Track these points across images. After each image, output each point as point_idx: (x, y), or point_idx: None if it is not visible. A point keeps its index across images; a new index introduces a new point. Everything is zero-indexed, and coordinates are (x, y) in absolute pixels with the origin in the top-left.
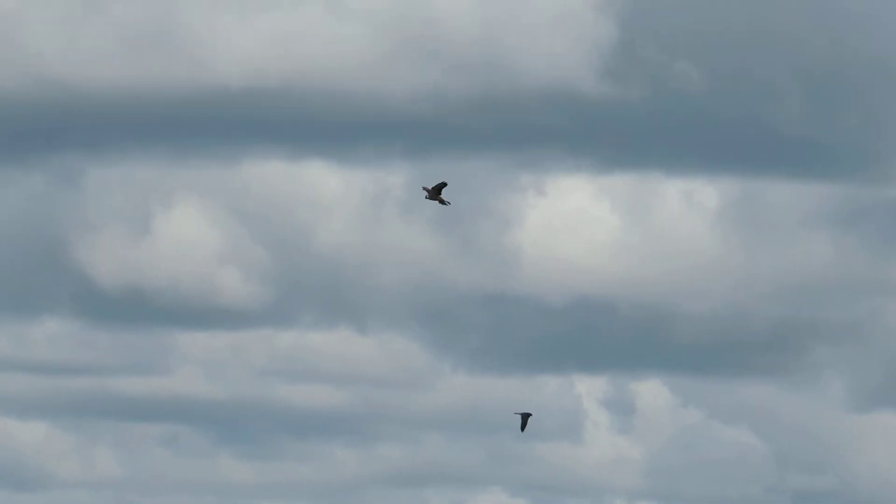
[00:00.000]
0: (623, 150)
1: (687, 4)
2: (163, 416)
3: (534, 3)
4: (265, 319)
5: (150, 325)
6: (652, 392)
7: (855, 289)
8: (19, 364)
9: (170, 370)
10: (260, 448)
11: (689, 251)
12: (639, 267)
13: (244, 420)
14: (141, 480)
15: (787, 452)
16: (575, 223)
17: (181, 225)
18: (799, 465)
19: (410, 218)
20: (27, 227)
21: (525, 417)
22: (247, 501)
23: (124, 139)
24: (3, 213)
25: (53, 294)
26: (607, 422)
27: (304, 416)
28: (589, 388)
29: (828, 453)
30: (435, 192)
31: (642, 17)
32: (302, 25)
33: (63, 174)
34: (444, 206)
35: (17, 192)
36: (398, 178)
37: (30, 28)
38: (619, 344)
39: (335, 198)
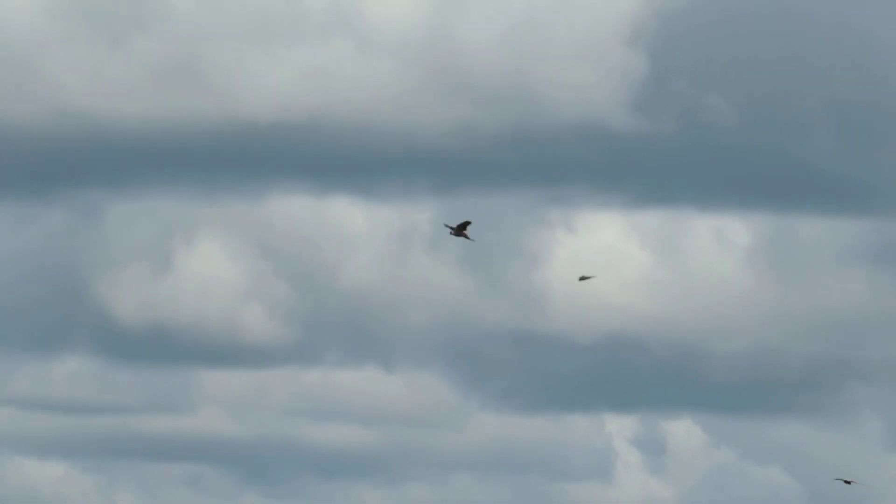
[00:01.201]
0: (653, 186)
1: (719, 37)
2: (185, 456)
3: (563, 36)
4: (290, 357)
5: (172, 363)
6: (683, 431)
7: (892, 326)
8: (38, 403)
9: (192, 409)
10: (285, 489)
11: (720, 288)
12: (670, 304)
13: (269, 460)
14: None
15: (822, 494)
16: (604, 260)
17: (204, 261)
18: None
19: (438, 255)
20: (48, 262)
21: (460, 229)
22: None
23: (147, 174)
24: (25, 248)
25: (74, 331)
26: (638, 462)
27: (330, 456)
28: (619, 428)
29: (865, 495)
30: (459, 229)
31: (673, 50)
32: (329, 60)
33: (85, 209)
34: (470, 241)
35: (38, 227)
36: (425, 214)
37: (53, 60)
38: (650, 382)
39: (361, 234)
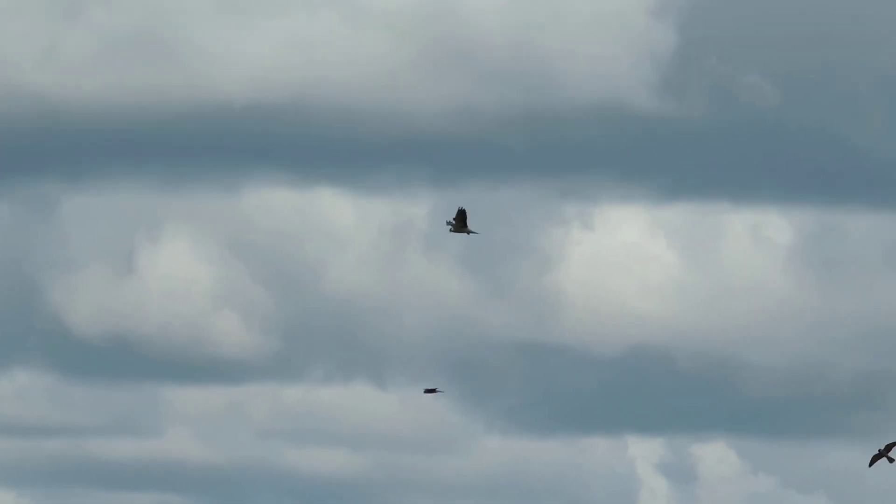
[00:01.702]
0: (683, 177)
1: (757, 6)
2: (150, 484)
3: (580, 4)
4: (268, 372)
5: (135, 378)
6: (716, 456)
7: None
8: None
9: (158, 430)
10: None
11: (758, 293)
12: (700, 311)
13: (244, 488)
14: None
15: None
16: (627, 261)
17: (171, 262)
18: None
19: (437, 255)
20: None
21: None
22: None
23: (106, 162)
24: None
25: (23, 342)
26: (665, 490)
27: (314, 485)
28: (644, 452)
29: None
30: (459, 223)
31: (705, 20)
32: (314, 32)
33: (35, 202)
34: (471, 235)
35: None
36: (422, 209)
37: (1, 34)
38: (679, 400)
39: (350, 231)
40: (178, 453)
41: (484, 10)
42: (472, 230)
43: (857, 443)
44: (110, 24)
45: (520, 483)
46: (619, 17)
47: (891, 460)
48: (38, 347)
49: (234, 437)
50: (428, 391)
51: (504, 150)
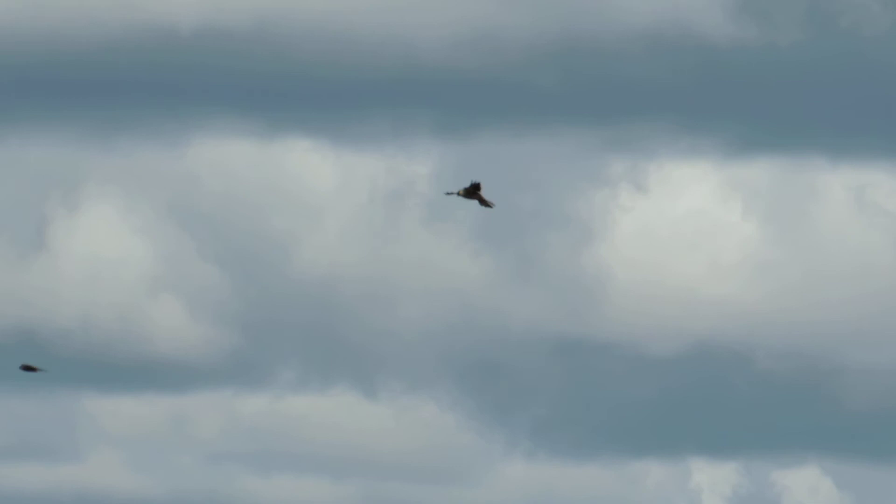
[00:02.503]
0: (765, 125)
1: None
2: None
3: None
4: (223, 377)
5: (48, 386)
6: (806, 483)
7: None
8: None
9: (78, 454)
10: None
11: (860, 275)
12: (787, 299)
13: None
14: None
15: None
16: (691, 234)
17: (96, 235)
18: None
19: (442, 227)
20: None
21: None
22: None
23: (15, 106)
24: None
25: None
26: None
27: None
28: (712, 479)
29: None
30: (470, 192)
31: None
32: None
33: None
34: (488, 208)
35: None
36: (424, 167)
37: None
38: (757, 414)
39: (330, 196)
40: (103, 482)
41: None
42: (489, 201)
43: None
44: None
45: None
46: None
47: (484, 203)
48: None
49: (177, 461)
50: (468, 194)
51: (531, 90)
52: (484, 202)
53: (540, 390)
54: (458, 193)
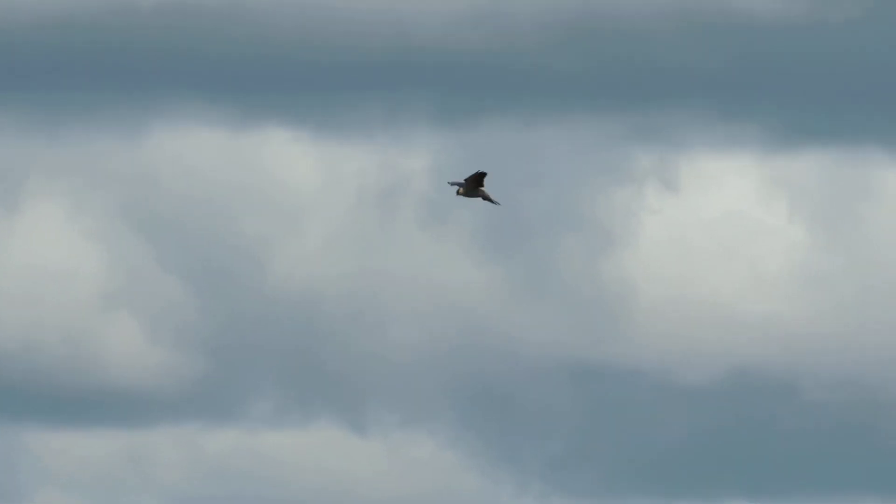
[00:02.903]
0: (814, 112)
1: None
2: None
3: None
4: (187, 409)
5: None
6: None
7: None
8: None
9: (20, 498)
10: None
11: None
12: (839, 318)
13: None
14: None
15: None
16: (728, 240)
17: (37, 240)
18: None
19: (442, 230)
20: None
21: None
22: None
23: None
24: None
25: None
26: None
27: None
28: None
29: None
30: (472, 185)
31: None
32: None
33: None
34: (493, 205)
35: None
36: (421, 160)
37: None
38: (804, 453)
39: (312, 194)
40: None
41: None
42: (493, 198)
43: None
44: None
45: None
46: None
47: (487, 200)
48: None
49: None
50: (469, 191)
51: (544, 71)
52: (488, 198)
53: (554, 424)
54: (459, 192)
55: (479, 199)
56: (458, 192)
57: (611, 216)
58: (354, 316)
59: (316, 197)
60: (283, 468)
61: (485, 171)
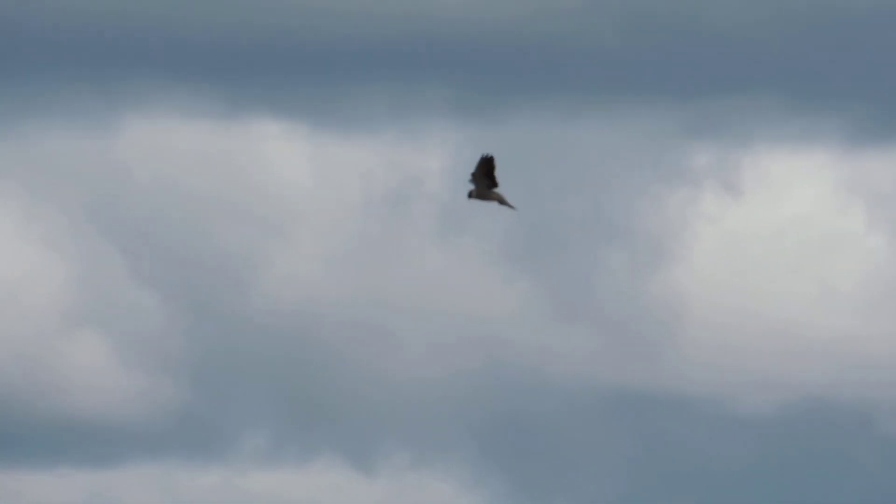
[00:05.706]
0: None
1: None
2: None
3: None
4: (165, 444)
5: None
6: None
7: None
8: None
9: None
10: None
11: None
12: None
13: None
14: None
15: None
16: (796, 250)
17: None
18: None
19: (458, 239)
20: None
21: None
22: None
23: None
24: None
25: None
26: None
27: None
28: None
29: None
30: (483, 179)
31: None
32: None
33: None
34: (511, 210)
35: None
36: (434, 158)
37: None
38: (880, 489)
39: (307, 195)
40: None
41: None
42: (507, 201)
43: None
44: None
45: None
46: None
47: (504, 203)
48: None
49: None
50: (482, 192)
51: (583, 57)
52: (504, 202)
53: (593, 464)
54: (471, 194)
55: (496, 203)
56: (469, 195)
57: (661, 225)
58: (359, 338)
59: (312, 199)
60: None
61: (490, 154)
